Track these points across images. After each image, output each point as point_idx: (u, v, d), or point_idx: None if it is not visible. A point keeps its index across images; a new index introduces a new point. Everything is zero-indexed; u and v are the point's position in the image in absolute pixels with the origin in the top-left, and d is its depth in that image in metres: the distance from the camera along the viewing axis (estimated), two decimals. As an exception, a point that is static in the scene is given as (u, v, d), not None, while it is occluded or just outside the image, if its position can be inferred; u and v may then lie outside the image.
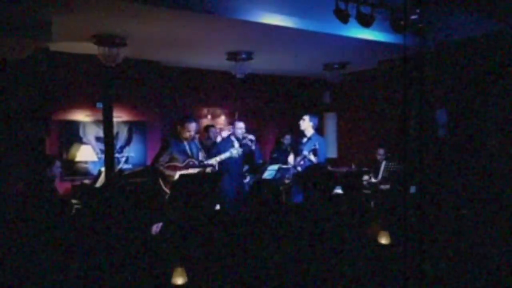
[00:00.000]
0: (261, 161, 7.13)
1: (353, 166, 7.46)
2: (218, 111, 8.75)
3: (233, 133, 6.15)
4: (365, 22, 4.64)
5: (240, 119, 6.41)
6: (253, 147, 6.16)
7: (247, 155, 6.29)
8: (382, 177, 6.65)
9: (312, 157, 5.96)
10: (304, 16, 5.60)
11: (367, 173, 6.91)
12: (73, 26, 5.34)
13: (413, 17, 4.96)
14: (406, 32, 4.82)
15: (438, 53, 6.79)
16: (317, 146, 5.90)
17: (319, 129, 6.76)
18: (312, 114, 6.36)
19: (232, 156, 5.64)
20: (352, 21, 4.69)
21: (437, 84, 6.88)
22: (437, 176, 6.52)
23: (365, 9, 4.68)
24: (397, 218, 3.62)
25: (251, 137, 6.13)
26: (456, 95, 6.71)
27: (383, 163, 6.79)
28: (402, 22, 4.80)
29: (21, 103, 5.94)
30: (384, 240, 3.17)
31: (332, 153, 8.97)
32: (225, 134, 6.44)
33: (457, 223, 5.26)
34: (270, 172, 6.51)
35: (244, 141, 6.07)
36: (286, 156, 7.23)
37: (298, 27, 5.57)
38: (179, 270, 2.43)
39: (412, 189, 6.05)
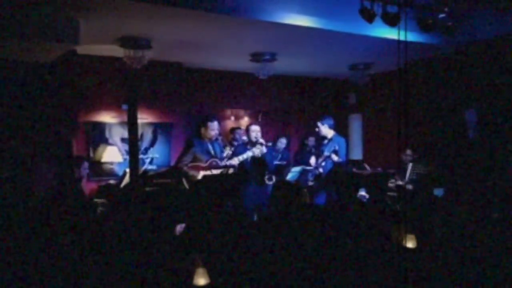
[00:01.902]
0: (285, 163, 7.08)
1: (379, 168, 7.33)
2: (242, 112, 8.74)
3: (248, 137, 6.10)
4: (391, 21, 4.55)
5: (261, 121, 6.39)
6: (264, 150, 5.98)
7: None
8: (409, 179, 6.51)
9: (334, 157, 5.94)
10: (329, 16, 5.53)
11: (393, 175, 6.78)
12: (99, 29, 5.40)
13: (441, 16, 4.85)
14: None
15: (467, 52, 6.62)
16: (336, 148, 5.91)
17: (340, 130, 6.70)
18: (324, 117, 6.41)
19: (254, 156, 5.60)
20: (377, 20, 4.61)
21: (466, 84, 6.70)
22: (467, 178, 6.34)
23: (391, 8, 4.59)
24: (424, 221, 3.53)
25: (262, 141, 6.03)
26: (486, 95, 6.52)
27: (410, 165, 6.65)
28: (429, 21, 4.69)
29: (49, 105, 6.06)
30: (410, 244, 3.09)
31: (357, 154, 8.85)
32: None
33: (487, 226, 5.10)
34: (293, 173, 6.46)
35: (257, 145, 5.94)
36: (310, 158, 7.16)
37: (322, 27, 5.50)
38: (201, 270, 2.42)
39: (438, 192, 5.91)
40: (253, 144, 5.99)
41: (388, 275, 3.14)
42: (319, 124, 6.31)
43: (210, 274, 2.44)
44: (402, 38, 6.01)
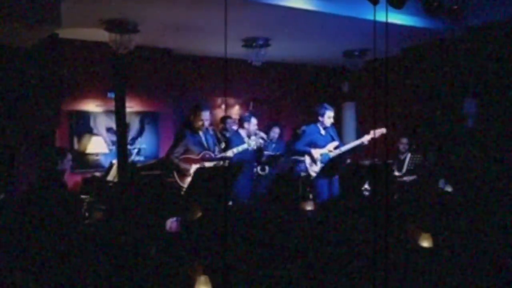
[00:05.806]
0: (278, 153, 6.83)
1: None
2: (232, 101, 8.45)
3: (247, 128, 5.81)
4: (397, 3, 4.28)
5: (253, 109, 6.11)
6: (261, 142, 5.71)
7: (257, 152, 6.02)
8: (407, 170, 6.33)
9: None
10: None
11: (390, 165, 6.59)
12: (83, 11, 5.09)
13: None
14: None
15: (467, 38, 6.40)
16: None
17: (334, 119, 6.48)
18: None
19: (249, 148, 5.36)
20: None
21: (466, 71, 6.50)
22: (467, 170, 6.17)
23: (396, -10, 4.32)
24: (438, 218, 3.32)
25: (263, 134, 5.77)
26: (486, 83, 6.32)
27: (408, 155, 6.47)
28: (435, 4, 4.45)
29: (29, 93, 5.71)
30: (426, 243, 2.87)
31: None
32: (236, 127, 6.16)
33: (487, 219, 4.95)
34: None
35: (256, 137, 5.68)
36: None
37: (319, 9, 5.27)
38: (203, 278, 2.16)
39: (441, 183, 5.73)
40: (249, 136, 5.70)
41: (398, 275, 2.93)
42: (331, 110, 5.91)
43: (213, 282, 2.18)
44: (401, 22, 5.81)
